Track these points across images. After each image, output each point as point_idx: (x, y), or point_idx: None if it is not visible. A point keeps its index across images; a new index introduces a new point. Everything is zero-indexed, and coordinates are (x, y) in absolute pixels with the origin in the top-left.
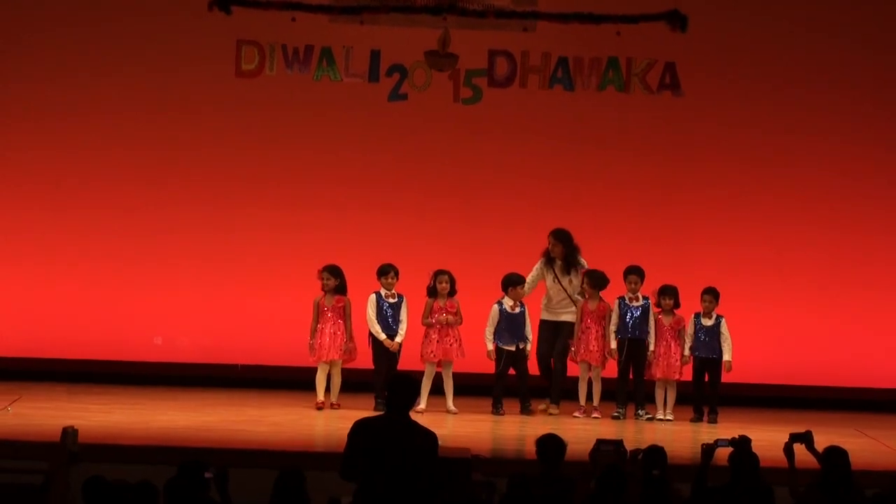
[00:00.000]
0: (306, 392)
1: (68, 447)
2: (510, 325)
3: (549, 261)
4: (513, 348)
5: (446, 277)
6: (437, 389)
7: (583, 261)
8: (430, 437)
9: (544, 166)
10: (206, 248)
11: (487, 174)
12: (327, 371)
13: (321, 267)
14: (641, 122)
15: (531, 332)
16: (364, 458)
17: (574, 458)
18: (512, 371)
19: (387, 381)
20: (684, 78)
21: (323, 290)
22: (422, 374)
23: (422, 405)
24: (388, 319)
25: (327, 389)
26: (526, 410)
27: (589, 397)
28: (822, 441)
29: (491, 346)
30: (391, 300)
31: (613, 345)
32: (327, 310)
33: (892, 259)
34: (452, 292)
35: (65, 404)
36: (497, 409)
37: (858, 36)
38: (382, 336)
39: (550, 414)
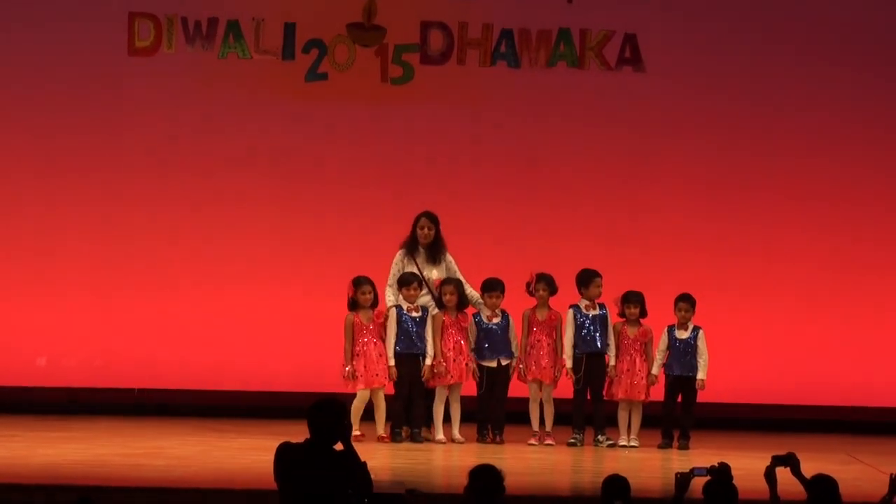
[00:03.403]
0: (211, 420)
1: None
2: (490, 338)
3: (410, 250)
4: (494, 364)
5: (451, 288)
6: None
7: (451, 259)
8: (356, 465)
9: (485, 154)
10: (96, 254)
11: (420, 163)
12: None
13: (356, 278)
14: (598, 101)
15: (517, 345)
16: (284, 485)
17: (531, 492)
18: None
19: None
20: (646, 51)
21: (361, 305)
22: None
23: (440, 435)
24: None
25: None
26: (498, 438)
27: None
28: (808, 469)
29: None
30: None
31: (569, 364)
32: (366, 328)
33: (890, 266)
34: (462, 304)
35: None
36: (483, 436)
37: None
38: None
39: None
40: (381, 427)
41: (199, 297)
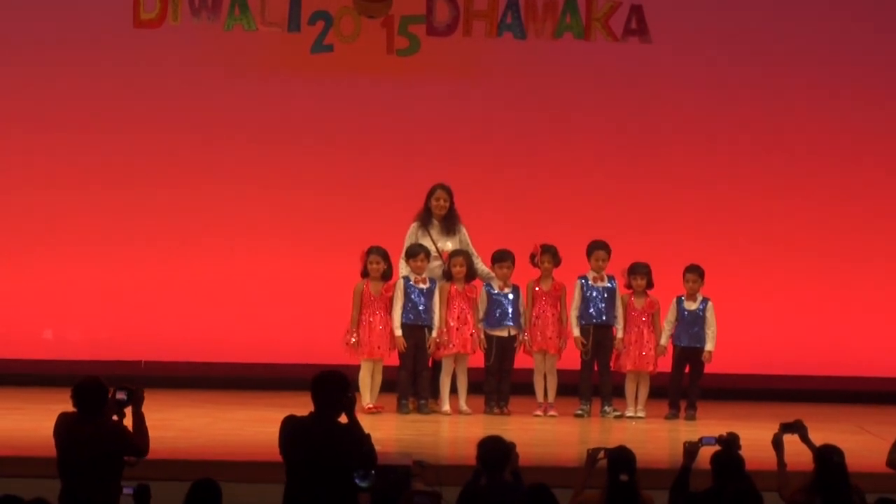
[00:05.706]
0: (217, 392)
1: None
2: (500, 307)
3: (424, 222)
4: (504, 334)
5: (462, 259)
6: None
7: (465, 231)
8: (361, 437)
9: (492, 126)
10: (102, 227)
11: (426, 135)
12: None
13: (369, 248)
14: (604, 73)
15: (525, 316)
16: (291, 458)
17: (539, 463)
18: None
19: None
20: (652, 22)
21: (371, 275)
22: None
23: (446, 407)
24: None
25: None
26: (505, 410)
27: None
28: (816, 439)
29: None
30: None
31: (577, 332)
32: (374, 299)
33: None
34: (470, 277)
35: None
36: (491, 407)
37: None
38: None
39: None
40: (374, 398)
41: (206, 269)
